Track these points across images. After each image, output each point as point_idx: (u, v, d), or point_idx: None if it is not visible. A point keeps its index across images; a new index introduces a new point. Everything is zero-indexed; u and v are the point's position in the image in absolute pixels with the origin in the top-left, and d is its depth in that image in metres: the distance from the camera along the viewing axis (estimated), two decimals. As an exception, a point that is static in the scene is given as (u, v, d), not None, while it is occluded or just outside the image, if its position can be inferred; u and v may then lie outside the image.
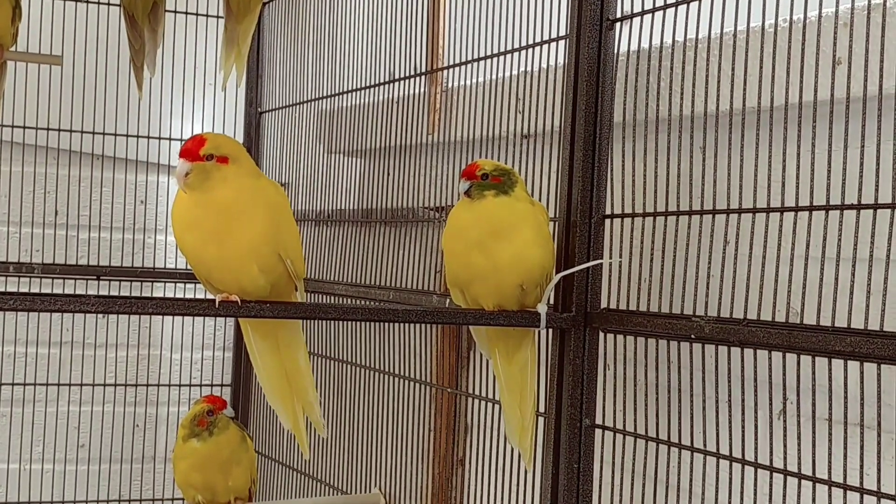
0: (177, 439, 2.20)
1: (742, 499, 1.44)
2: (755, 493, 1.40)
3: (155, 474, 3.03)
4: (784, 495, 1.36)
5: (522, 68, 1.86)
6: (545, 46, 1.80)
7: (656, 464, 1.56)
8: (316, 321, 2.59)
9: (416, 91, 2.24)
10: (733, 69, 1.47)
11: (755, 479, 1.40)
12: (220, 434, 2.13)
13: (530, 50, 1.83)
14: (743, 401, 1.42)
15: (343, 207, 2.55)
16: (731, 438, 1.44)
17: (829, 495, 1.30)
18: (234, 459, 2.15)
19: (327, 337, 2.59)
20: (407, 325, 2.26)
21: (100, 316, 2.93)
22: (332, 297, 2.45)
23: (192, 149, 1.44)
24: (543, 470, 1.65)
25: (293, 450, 2.67)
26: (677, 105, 1.57)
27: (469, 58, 2.03)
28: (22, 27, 2.05)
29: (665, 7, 1.56)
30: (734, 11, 1.46)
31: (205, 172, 1.44)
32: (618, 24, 1.62)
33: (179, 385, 3.04)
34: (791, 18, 1.38)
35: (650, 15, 1.59)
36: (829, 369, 1.31)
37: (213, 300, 1.44)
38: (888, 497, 1.24)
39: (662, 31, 1.57)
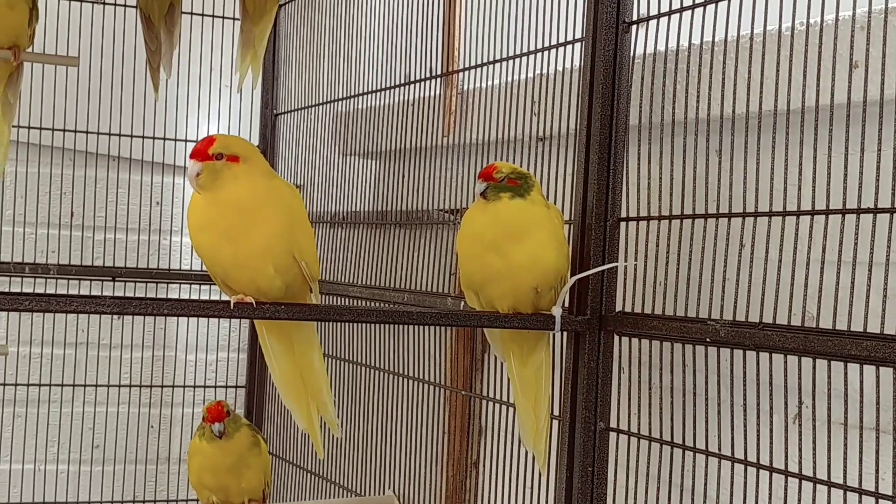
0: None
1: (756, 503, 1.44)
2: (770, 498, 1.39)
3: (169, 475, 3.04)
4: (799, 499, 1.36)
5: (538, 71, 1.86)
6: (561, 49, 1.80)
7: (671, 467, 1.56)
8: (330, 323, 2.59)
9: (432, 93, 2.24)
10: (749, 72, 1.46)
11: (770, 484, 1.40)
12: (213, 441, 2.13)
13: (546, 52, 1.83)
14: (758, 405, 1.42)
15: (358, 209, 2.55)
16: (745, 442, 1.44)
17: (845, 500, 1.30)
18: (243, 464, 2.15)
19: (342, 339, 2.59)
20: (421, 327, 2.26)
21: (115, 317, 2.93)
22: (347, 299, 2.46)
23: (202, 149, 1.45)
24: (558, 473, 1.64)
25: (307, 451, 2.67)
26: (693, 108, 1.56)
27: (484, 60, 2.03)
28: (38, 29, 2.06)
29: (681, 10, 1.56)
30: (751, 14, 1.45)
31: (215, 172, 1.45)
32: (634, 27, 1.62)
33: (194, 386, 3.04)
34: (808, 21, 1.38)
35: (666, 18, 1.58)
36: (845, 373, 1.30)
37: (228, 302, 1.45)
38: (904, 502, 1.24)
39: (679, 33, 1.57)
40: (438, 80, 2.24)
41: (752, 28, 1.46)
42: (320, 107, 2.70)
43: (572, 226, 1.65)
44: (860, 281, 1.29)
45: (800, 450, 1.37)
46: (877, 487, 1.26)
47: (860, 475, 1.28)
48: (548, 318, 1.58)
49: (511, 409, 1.88)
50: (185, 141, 2.86)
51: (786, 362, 1.37)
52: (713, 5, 1.50)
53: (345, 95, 2.59)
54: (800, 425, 1.40)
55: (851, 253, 1.29)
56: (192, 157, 1.45)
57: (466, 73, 2.18)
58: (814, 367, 1.34)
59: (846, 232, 1.31)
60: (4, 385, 2.86)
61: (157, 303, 1.42)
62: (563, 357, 1.67)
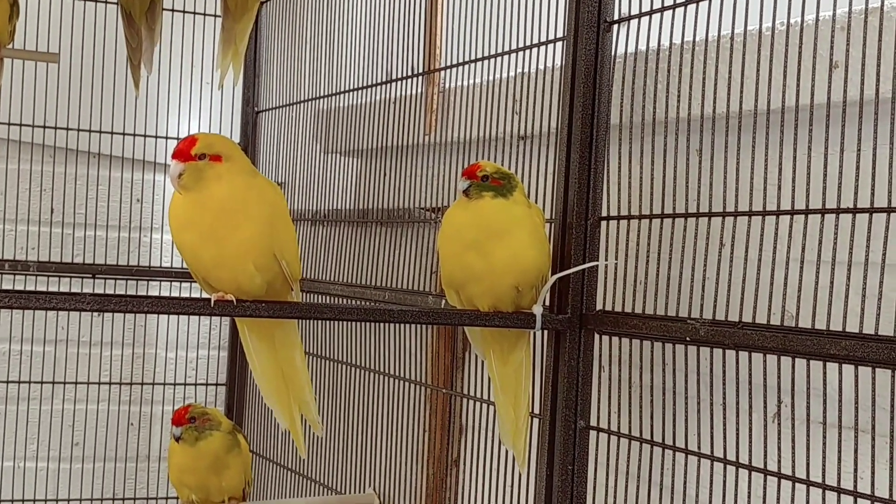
0: None
1: (736, 502, 1.44)
2: (749, 496, 1.40)
3: (149, 473, 3.03)
4: (778, 498, 1.36)
5: (519, 69, 1.86)
6: (542, 48, 1.80)
7: (650, 466, 1.56)
8: (312, 321, 2.59)
9: (413, 91, 2.24)
10: (730, 72, 1.47)
11: (749, 482, 1.40)
12: (189, 444, 2.12)
13: (527, 51, 1.83)
14: (737, 403, 1.42)
15: (339, 207, 2.55)
16: (725, 441, 1.44)
17: (823, 499, 1.30)
18: (220, 464, 2.14)
19: (323, 337, 2.59)
20: (402, 325, 2.26)
21: (95, 314, 2.92)
22: (328, 297, 2.45)
23: (184, 149, 1.44)
24: (537, 471, 1.65)
25: (288, 449, 2.67)
26: (674, 107, 1.57)
27: (466, 59, 2.03)
28: (19, 24, 2.05)
29: (662, 9, 1.56)
30: (731, 14, 1.46)
31: (198, 172, 1.44)
32: (615, 26, 1.62)
33: (174, 384, 3.03)
34: (788, 22, 1.38)
35: (647, 17, 1.59)
36: (824, 373, 1.31)
37: (209, 299, 1.44)
38: (882, 500, 1.24)
39: (660, 33, 1.57)
40: (420, 78, 2.24)
41: (733, 28, 1.46)
42: (302, 104, 2.69)
43: (553, 224, 1.66)
44: (839, 280, 1.30)
45: (779, 448, 1.38)
46: (855, 486, 1.27)
47: (839, 474, 1.29)
48: (528, 316, 1.58)
49: (491, 408, 1.88)
50: (166, 138, 2.85)
51: (765, 361, 1.37)
52: (694, 5, 1.51)
53: (327, 93, 2.58)
54: (779, 424, 1.41)
55: (831, 252, 1.30)
56: (174, 157, 1.44)
57: (448, 71, 2.18)
58: (793, 367, 1.35)
59: (825, 231, 1.31)
60: (-17, 382, 2.86)
61: (137, 300, 1.42)
62: (543, 355, 1.68)
